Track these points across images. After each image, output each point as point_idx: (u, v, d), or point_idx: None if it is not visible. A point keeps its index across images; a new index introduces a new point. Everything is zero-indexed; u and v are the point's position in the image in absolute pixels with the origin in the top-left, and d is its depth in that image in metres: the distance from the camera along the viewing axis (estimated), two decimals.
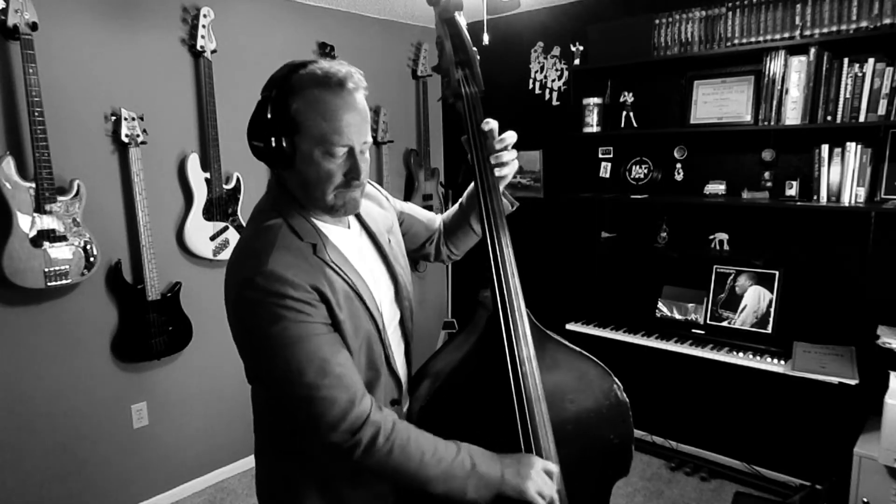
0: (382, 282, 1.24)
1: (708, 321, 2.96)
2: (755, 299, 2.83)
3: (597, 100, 3.22)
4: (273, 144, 1.05)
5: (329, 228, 1.16)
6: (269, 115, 1.05)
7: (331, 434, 1.03)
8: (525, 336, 1.17)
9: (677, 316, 3.07)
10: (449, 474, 1.06)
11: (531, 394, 1.15)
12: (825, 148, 2.56)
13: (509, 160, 1.26)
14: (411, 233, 1.44)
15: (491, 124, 1.24)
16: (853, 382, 2.38)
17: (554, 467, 1.14)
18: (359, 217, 1.25)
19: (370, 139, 1.11)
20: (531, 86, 3.63)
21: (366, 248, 1.23)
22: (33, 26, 2.23)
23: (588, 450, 1.24)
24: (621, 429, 1.25)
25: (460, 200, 1.45)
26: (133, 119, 2.59)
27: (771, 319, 2.78)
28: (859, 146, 2.48)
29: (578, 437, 1.23)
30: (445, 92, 1.29)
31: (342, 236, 1.18)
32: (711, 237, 3.03)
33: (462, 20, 1.27)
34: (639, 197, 3.12)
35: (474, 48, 1.28)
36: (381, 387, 1.17)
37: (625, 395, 1.25)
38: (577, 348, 1.27)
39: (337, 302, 1.07)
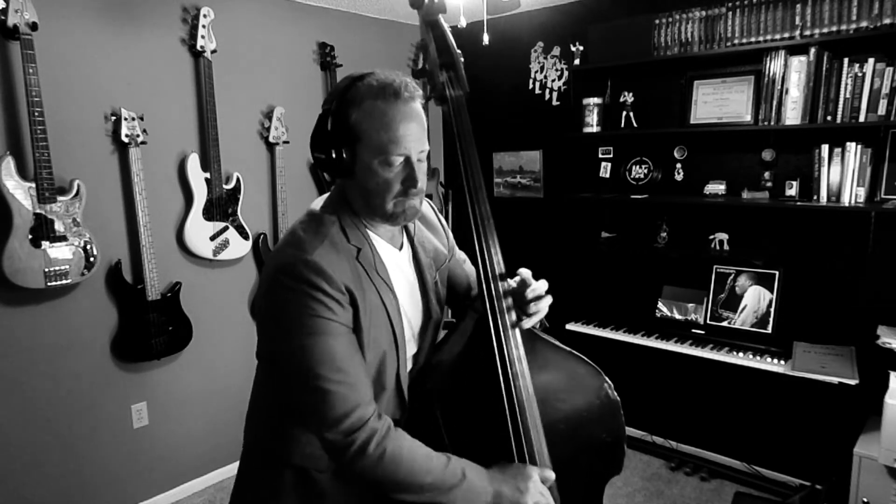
0: (414, 311, 1.23)
1: (708, 321, 2.96)
2: (755, 299, 2.83)
3: (597, 100, 3.22)
4: (334, 155, 1.08)
5: (380, 242, 1.17)
6: (329, 127, 1.08)
7: (329, 429, 1.03)
8: (515, 337, 1.17)
9: (677, 316, 3.07)
10: (438, 484, 1.06)
11: (521, 394, 1.15)
12: (825, 148, 2.56)
13: (545, 309, 1.21)
14: (451, 283, 1.42)
15: (523, 274, 1.20)
16: (853, 382, 2.39)
17: (550, 474, 1.15)
18: (412, 244, 1.26)
19: (427, 147, 1.12)
20: (531, 86, 3.63)
21: (409, 274, 1.24)
22: (33, 26, 2.23)
23: (581, 449, 1.25)
24: (613, 427, 1.25)
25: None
26: (133, 119, 2.59)
27: (771, 319, 2.78)
28: (859, 146, 2.48)
29: (571, 437, 1.23)
30: (430, 95, 1.27)
31: (390, 254, 1.19)
32: (711, 237, 3.02)
33: (445, 23, 1.25)
34: (639, 197, 3.12)
35: (458, 50, 1.26)
36: (383, 403, 1.16)
37: (616, 393, 1.25)
38: (567, 348, 1.27)
39: (365, 310, 1.09)
